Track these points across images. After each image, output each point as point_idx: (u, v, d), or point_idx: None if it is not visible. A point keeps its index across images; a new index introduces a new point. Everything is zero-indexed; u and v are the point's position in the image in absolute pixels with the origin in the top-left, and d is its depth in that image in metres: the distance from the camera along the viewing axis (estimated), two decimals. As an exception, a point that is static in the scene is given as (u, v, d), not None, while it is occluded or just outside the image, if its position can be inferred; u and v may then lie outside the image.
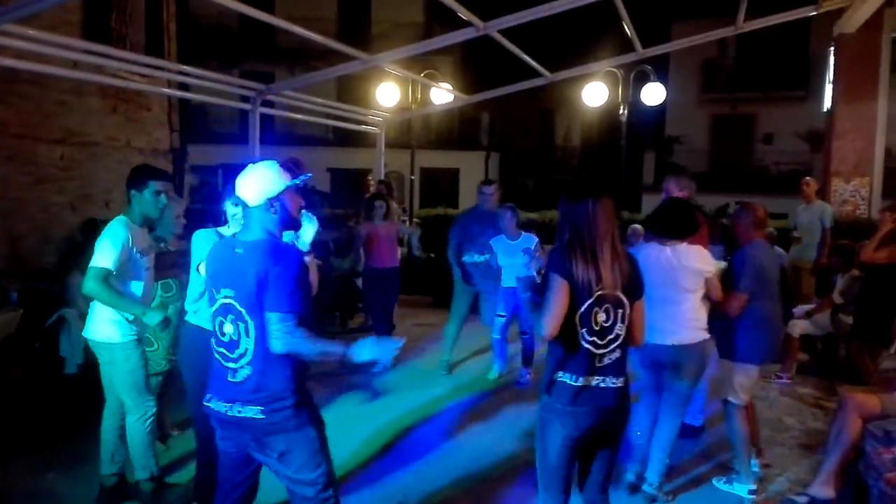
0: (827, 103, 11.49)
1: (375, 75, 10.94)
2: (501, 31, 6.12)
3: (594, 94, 9.99)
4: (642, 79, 10.47)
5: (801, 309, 7.00)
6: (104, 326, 3.65)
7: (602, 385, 2.80)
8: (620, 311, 2.81)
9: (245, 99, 6.95)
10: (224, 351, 2.59)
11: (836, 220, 8.68)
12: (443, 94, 9.85)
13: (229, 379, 2.57)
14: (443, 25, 18.39)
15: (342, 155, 22.59)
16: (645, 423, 4.16)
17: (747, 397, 4.22)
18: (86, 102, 8.35)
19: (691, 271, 3.91)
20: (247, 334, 2.52)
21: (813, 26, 19.09)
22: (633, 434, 4.05)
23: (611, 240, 2.81)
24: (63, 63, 6.02)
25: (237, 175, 2.65)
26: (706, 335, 4.05)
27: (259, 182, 2.59)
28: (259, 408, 2.52)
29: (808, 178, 9.17)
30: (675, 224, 3.96)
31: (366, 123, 9.74)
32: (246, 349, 2.53)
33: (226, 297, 2.56)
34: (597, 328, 2.77)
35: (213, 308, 2.62)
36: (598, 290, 2.74)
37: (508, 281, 5.98)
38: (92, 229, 6.91)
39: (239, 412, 2.54)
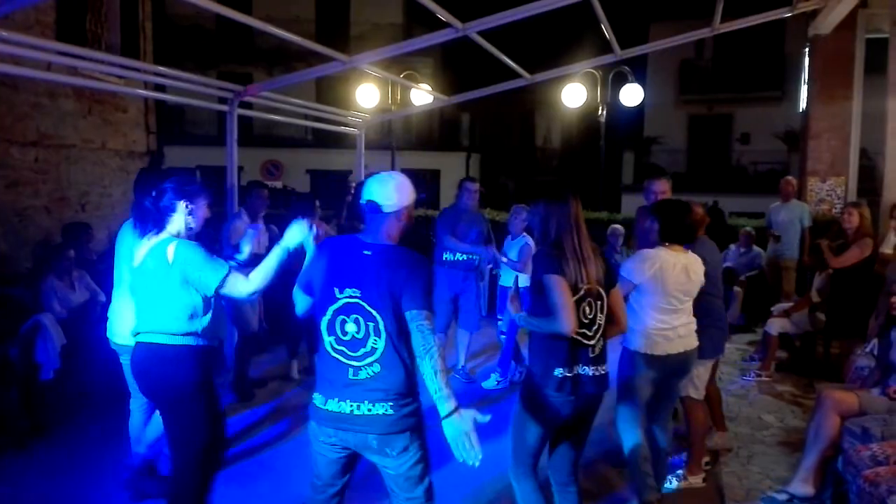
0: (803, 104, 11.62)
1: (355, 77, 10.92)
2: (481, 33, 6.11)
3: (573, 95, 10.04)
4: (621, 80, 10.54)
5: (779, 307, 7.08)
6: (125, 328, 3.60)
7: (595, 374, 3.05)
8: (600, 302, 3.07)
9: (222, 100, 6.88)
10: (344, 349, 2.60)
11: (812, 219, 8.81)
12: (423, 96, 9.83)
13: (350, 377, 2.58)
14: (422, 26, 18.41)
15: (322, 156, 22.51)
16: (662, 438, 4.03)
17: (704, 390, 4.34)
18: (60, 104, 8.24)
19: (699, 279, 3.83)
20: (376, 333, 2.57)
21: (788, 28, 19.34)
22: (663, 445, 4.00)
23: (587, 237, 3.05)
24: (37, 65, 5.93)
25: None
26: None
27: (400, 191, 2.68)
28: (389, 404, 2.56)
29: (789, 177, 9.28)
30: (675, 227, 3.80)
31: (345, 125, 9.69)
32: (373, 348, 2.57)
33: (350, 296, 2.59)
34: (585, 321, 2.99)
35: (333, 306, 2.61)
36: (583, 286, 2.98)
37: (508, 280, 6.08)
38: (74, 232, 6.83)
39: (369, 410, 2.56)
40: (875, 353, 4.67)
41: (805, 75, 11.37)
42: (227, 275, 3.05)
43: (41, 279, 5.80)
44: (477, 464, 2.45)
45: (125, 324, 3.58)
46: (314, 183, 22.64)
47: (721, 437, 4.84)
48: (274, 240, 7.48)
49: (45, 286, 5.70)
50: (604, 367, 3.10)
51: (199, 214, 3.22)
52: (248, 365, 5.98)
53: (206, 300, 3.11)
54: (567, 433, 3.18)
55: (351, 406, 2.58)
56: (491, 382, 6.25)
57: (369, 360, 2.58)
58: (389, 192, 2.67)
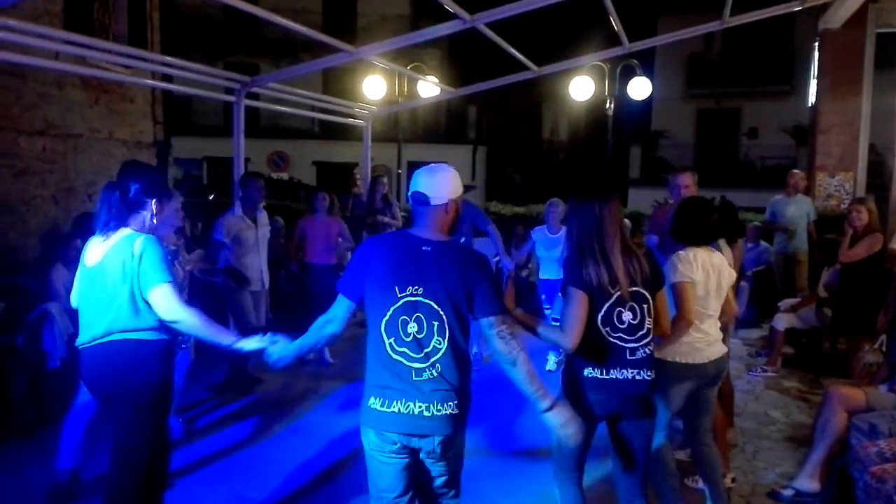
0: (812, 98, 11.55)
1: (361, 68, 10.89)
2: (489, 25, 6.09)
3: (581, 88, 9.99)
4: (629, 73, 10.48)
5: (786, 303, 7.05)
6: None
7: (633, 377, 2.90)
8: (645, 305, 2.93)
9: (229, 91, 6.87)
10: (407, 350, 2.51)
11: (820, 214, 8.76)
12: (430, 88, 9.80)
13: (413, 378, 2.50)
14: (429, 18, 18.34)
15: (328, 148, 22.52)
16: None
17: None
18: (68, 94, 8.23)
19: (729, 281, 3.68)
20: (441, 333, 2.51)
21: (798, 22, 19.20)
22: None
23: (620, 238, 2.91)
24: (44, 54, 5.92)
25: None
26: None
27: (448, 183, 2.62)
28: (454, 402, 2.53)
29: (797, 171, 9.21)
30: (700, 227, 3.62)
31: (352, 116, 9.67)
32: (436, 347, 2.51)
33: (413, 294, 2.51)
34: (623, 325, 2.88)
35: (394, 305, 2.51)
36: (615, 292, 2.86)
37: (547, 272, 6.10)
38: (84, 223, 6.81)
39: (438, 410, 2.50)
40: (884, 349, 4.64)
41: (814, 70, 11.30)
42: (163, 283, 2.91)
43: (48, 268, 5.81)
44: (578, 441, 2.71)
45: None
46: (320, 175, 22.65)
47: (728, 433, 4.82)
48: (277, 232, 7.56)
49: (53, 275, 5.71)
50: (647, 373, 2.93)
51: (166, 216, 3.12)
52: (246, 360, 5.83)
53: None
54: (619, 440, 3.03)
55: (420, 407, 2.49)
56: (551, 364, 6.38)
57: (433, 359, 2.50)
58: (437, 183, 2.61)
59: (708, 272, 3.50)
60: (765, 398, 5.94)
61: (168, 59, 6.61)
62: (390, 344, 2.51)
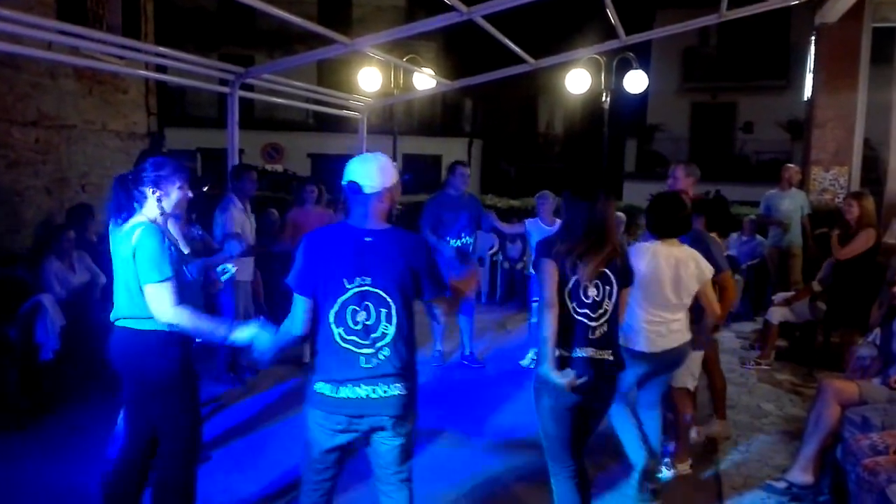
0: (807, 93, 11.55)
1: (356, 60, 10.83)
2: (485, 17, 6.06)
3: (577, 81, 9.95)
4: (625, 66, 10.45)
5: (780, 296, 7.07)
6: None
7: (596, 357, 3.02)
8: (608, 287, 3.03)
9: (224, 82, 6.84)
10: (355, 338, 2.60)
11: (815, 208, 8.77)
12: (425, 80, 9.76)
13: (362, 365, 2.60)
14: (424, 10, 18.27)
15: (323, 140, 22.44)
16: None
17: (697, 380, 4.40)
18: (61, 84, 8.17)
19: (694, 274, 3.75)
20: (388, 319, 2.60)
21: (794, 15, 19.19)
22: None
23: (604, 237, 3.03)
24: (37, 44, 5.87)
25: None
26: None
27: (382, 172, 2.66)
28: (402, 384, 2.63)
29: (793, 165, 9.21)
30: (668, 221, 3.78)
31: (347, 108, 9.64)
32: (384, 333, 2.60)
33: (361, 284, 2.58)
34: (588, 301, 2.99)
35: (342, 297, 2.58)
36: (588, 265, 2.95)
37: None
38: (77, 214, 6.78)
39: (385, 392, 2.60)
40: (877, 342, 4.66)
41: (810, 64, 11.30)
42: (155, 282, 2.88)
43: (41, 260, 5.80)
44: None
45: None
46: (315, 167, 22.59)
47: (721, 425, 4.85)
48: (272, 225, 7.49)
49: (46, 267, 5.70)
50: (607, 353, 3.05)
51: (173, 198, 3.07)
52: (239, 351, 5.77)
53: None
54: (589, 418, 3.14)
55: (366, 390, 2.59)
56: (527, 361, 6.39)
57: (380, 344, 2.61)
58: (371, 172, 2.64)
59: (663, 264, 3.65)
60: (758, 391, 5.96)
61: (162, 49, 6.57)
62: (339, 333, 2.61)
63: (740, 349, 7.24)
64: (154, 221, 3.02)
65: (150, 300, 2.91)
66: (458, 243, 6.21)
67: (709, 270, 3.77)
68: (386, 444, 2.71)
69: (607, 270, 3.01)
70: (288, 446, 4.59)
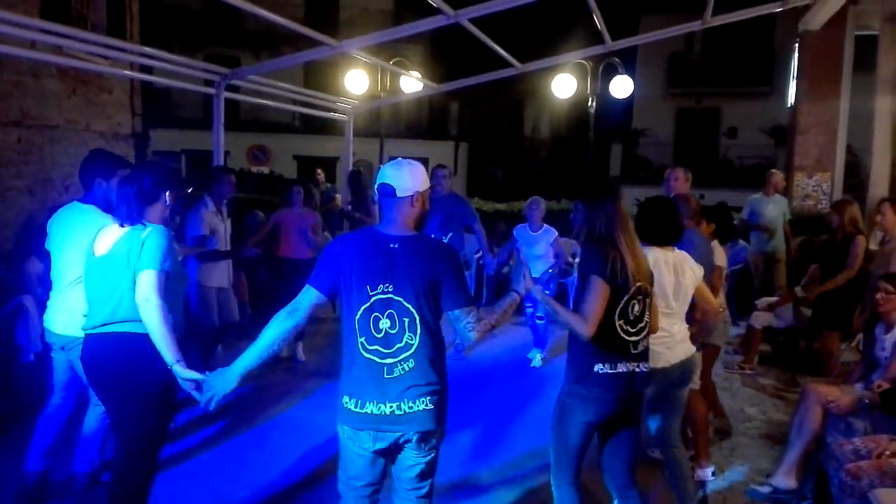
0: (791, 99, 11.65)
1: (343, 62, 10.82)
2: (472, 20, 6.07)
3: (563, 85, 10.00)
4: (611, 71, 10.52)
5: (763, 301, 7.11)
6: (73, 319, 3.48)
7: (637, 370, 2.99)
8: (648, 300, 3.02)
9: (209, 83, 6.80)
10: (378, 348, 2.53)
11: (798, 214, 8.84)
12: (412, 83, 9.77)
13: (385, 376, 2.52)
14: (412, 13, 18.27)
15: (309, 142, 22.39)
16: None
17: (699, 381, 4.34)
18: (44, 84, 8.09)
19: (690, 278, 3.66)
20: (412, 329, 2.53)
21: (778, 23, 19.35)
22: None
23: (633, 232, 3.01)
24: (20, 43, 5.81)
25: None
26: None
27: (414, 176, 2.63)
28: (428, 398, 2.55)
29: (779, 171, 9.26)
30: (665, 227, 3.61)
31: (334, 111, 9.62)
32: (408, 343, 2.53)
33: (383, 292, 2.52)
34: (631, 318, 2.96)
35: (365, 304, 2.53)
36: (634, 284, 2.92)
37: (537, 271, 6.18)
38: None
39: (410, 408, 2.52)
40: (860, 347, 4.70)
41: (794, 71, 11.40)
42: (151, 269, 2.91)
43: (23, 261, 5.73)
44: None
45: (74, 314, 3.39)
46: (301, 169, 22.51)
47: (720, 421, 4.97)
48: (258, 226, 7.43)
49: (27, 268, 5.63)
50: (646, 365, 3.04)
51: (166, 206, 3.18)
52: (210, 357, 5.65)
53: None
54: (613, 433, 3.09)
55: (391, 407, 2.51)
56: (537, 362, 6.51)
57: (404, 355, 2.53)
58: (403, 175, 2.62)
59: (665, 271, 3.49)
60: (741, 395, 5.99)
61: (147, 49, 6.52)
62: (362, 342, 2.54)
63: (724, 354, 7.26)
64: (164, 225, 3.10)
65: (141, 284, 2.92)
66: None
67: (699, 269, 3.68)
68: (409, 459, 2.64)
69: (644, 282, 2.98)
70: (275, 449, 4.57)
